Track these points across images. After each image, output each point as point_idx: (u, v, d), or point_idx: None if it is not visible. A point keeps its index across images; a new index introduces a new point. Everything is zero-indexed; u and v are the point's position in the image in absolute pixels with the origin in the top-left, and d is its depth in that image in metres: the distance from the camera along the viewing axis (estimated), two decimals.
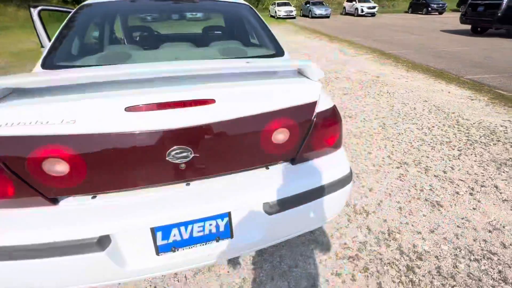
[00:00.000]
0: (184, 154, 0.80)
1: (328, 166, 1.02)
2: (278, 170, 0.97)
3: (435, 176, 1.98)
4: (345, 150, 1.51)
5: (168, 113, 0.75)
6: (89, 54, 1.22)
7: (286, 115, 0.88)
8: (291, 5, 18.44)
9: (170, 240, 0.84)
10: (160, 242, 0.82)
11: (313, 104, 0.92)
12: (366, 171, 2.05)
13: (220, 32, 2.08)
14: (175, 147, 0.78)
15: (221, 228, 0.89)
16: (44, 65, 1.05)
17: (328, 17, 18.33)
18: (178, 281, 1.21)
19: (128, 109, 0.71)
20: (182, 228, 0.84)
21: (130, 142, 0.74)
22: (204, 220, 0.85)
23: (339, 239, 1.45)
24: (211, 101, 0.78)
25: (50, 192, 0.76)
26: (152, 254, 0.83)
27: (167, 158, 0.79)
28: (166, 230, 0.82)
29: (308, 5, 18.82)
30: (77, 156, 0.72)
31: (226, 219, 0.88)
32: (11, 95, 0.75)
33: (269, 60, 1.17)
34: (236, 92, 0.83)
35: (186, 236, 0.85)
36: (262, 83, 0.88)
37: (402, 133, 2.65)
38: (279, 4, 18.45)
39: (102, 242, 0.75)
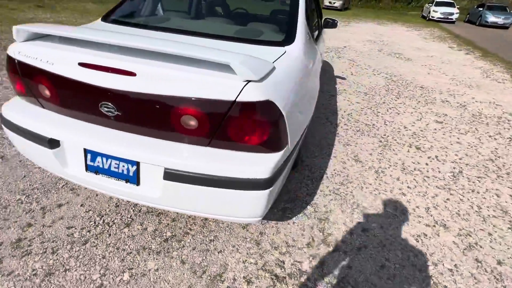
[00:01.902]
0: (111, 109, 1.05)
1: (241, 162, 1.03)
2: (191, 148, 1.08)
3: None
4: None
5: (101, 74, 1.01)
6: (141, 14, 1.64)
7: (196, 105, 0.97)
8: (454, 6, 14.83)
9: (95, 164, 1.15)
10: (88, 162, 1.15)
11: (228, 102, 0.95)
12: None
13: (268, 15, 2.15)
14: (104, 102, 1.05)
15: (131, 173, 1.12)
16: (103, 19, 1.52)
17: (507, 27, 13.88)
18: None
19: (80, 64, 1.02)
20: (104, 159, 1.13)
21: (79, 87, 1.05)
22: (119, 159, 1.11)
23: None
24: (133, 73, 0.98)
25: (38, 101, 1.21)
26: (82, 169, 1.17)
27: (99, 108, 1.07)
28: (93, 154, 1.14)
29: (481, 9, 14.69)
30: (52, 86, 1.11)
31: (135, 167, 1.11)
32: (45, 38, 1.19)
33: (251, 47, 1.28)
34: (156, 71, 0.98)
35: (106, 166, 1.14)
36: (185, 70, 0.98)
37: None
38: (437, 3, 15.05)
39: (52, 143, 1.14)
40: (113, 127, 1.13)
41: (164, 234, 1.50)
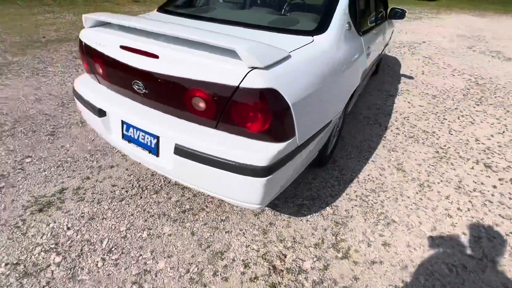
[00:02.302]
0: (140, 87, 1.20)
1: (242, 147, 1.06)
2: (200, 128, 1.16)
3: None
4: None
5: (135, 56, 1.16)
6: (192, 5, 1.79)
7: (203, 87, 1.03)
8: None
9: (129, 134, 1.34)
10: (124, 131, 1.35)
11: (232, 87, 0.98)
12: None
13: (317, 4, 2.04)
14: (135, 80, 1.20)
15: (152, 145, 1.28)
16: (158, 9, 1.72)
17: None
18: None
19: (121, 47, 1.19)
20: (135, 130, 1.31)
21: (119, 66, 1.23)
22: (145, 132, 1.27)
23: None
24: (156, 56, 1.10)
25: (96, 77, 1.45)
26: (120, 137, 1.38)
27: (132, 86, 1.23)
28: (127, 126, 1.33)
29: None
30: (102, 64, 1.32)
31: (155, 140, 1.25)
32: (107, 25, 1.42)
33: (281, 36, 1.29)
34: (174, 54, 1.07)
35: (135, 136, 1.32)
36: (197, 54, 1.05)
37: None
38: None
39: (101, 113, 1.38)
40: (142, 103, 1.30)
41: (184, 205, 1.66)
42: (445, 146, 2.39)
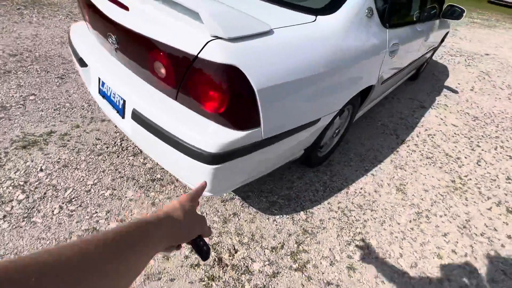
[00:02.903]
0: (114, 40, 1.11)
1: (196, 127, 0.95)
2: (161, 96, 1.06)
3: None
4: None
5: (110, 5, 1.06)
6: None
7: (164, 50, 0.91)
8: None
9: (103, 89, 1.29)
10: (100, 86, 1.30)
11: (191, 55, 0.85)
12: None
13: None
14: (109, 32, 1.11)
15: (120, 106, 1.21)
16: None
17: None
18: None
19: None
20: (108, 87, 1.25)
21: (99, 15, 1.14)
22: (115, 93, 1.21)
23: None
24: (126, 8, 0.99)
25: (86, 25, 1.38)
26: (97, 90, 1.34)
27: (107, 38, 1.15)
28: (102, 83, 1.27)
29: None
30: (88, 12, 1.24)
31: (122, 101, 1.18)
32: None
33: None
34: (142, 9, 0.96)
35: (108, 94, 1.26)
36: (168, 14, 0.92)
37: None
38: None
39: (82, 62, 1.33)
40: (117, 59, 1.22)
41: (155, 174, 1.62)
42: (466, 176, 2.06)
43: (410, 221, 1.62)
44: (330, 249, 1.40)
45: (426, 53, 2.68)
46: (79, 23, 1.58)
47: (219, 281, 1.19)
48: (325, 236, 1.45)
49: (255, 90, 0.87)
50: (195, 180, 1.02)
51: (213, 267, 1.24)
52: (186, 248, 1.29)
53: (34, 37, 2.85)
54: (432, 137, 2.45)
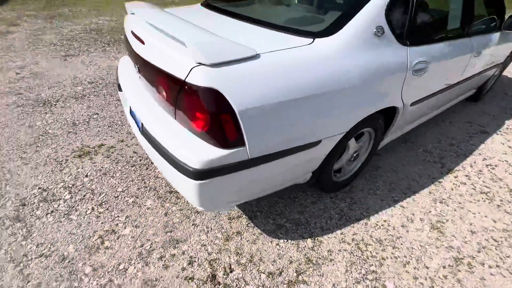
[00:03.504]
0: (138, 69, 1.31)
1: (187, 144, 1.03)
2: (165, 115, 1.18)
3: None
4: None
5: (135, 40, 1.27)
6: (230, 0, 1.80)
7: (164, 76, 1.04)
8: None
9: (133, 110, 1.50)
10: (130, 108, 1.52)
11: (180, 80, 0.95)
12: None
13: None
14: (135, 62, 1.31)
15: (139, 124, 1.39)
16: (201, 4, 1.82)
17: None
18: None
19: (131, 31, 1.32)
20: (134, 108, 1.46)
21: (130, 48, 1.37)
22: (137, 113, 1.40)
23: None
24: (143, 42, 1.17)
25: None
26: (129, 111, 1.56)
27: (135, 67, 1.36)
28: (131, 108, 1.49)
29: None
30: (127, 45, 1.49)
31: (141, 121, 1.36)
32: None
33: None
34: (153, 43, 1.11)
35: (135, 113, 1.47)
36: (167, 44, 1.05)
37: None
38: None
39: (119, 87, 1.59)
40: (140, 83, 1.43)
41: (173, 187, 1.75)
42: None
43: (444, 267, 1.35)
44: (333, 284, 1.26)
45: (485, 70, 2.31)
46: (126, 56, 1.92)
47: None
48: (330, 269, 1.32)
49: (236, 111, 0.92)
50: (187, 194, 1.09)
51: (206, 283, 1.25)
52: (186, 260, 1.34)
53: (109, 68, 3.52)
54: (492, 168, 2.03)
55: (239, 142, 0.98)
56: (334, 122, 1.18)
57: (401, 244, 1.45)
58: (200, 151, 0.99)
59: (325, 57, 1.09)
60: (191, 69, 0.91)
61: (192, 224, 1.52)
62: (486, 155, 2.18)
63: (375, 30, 1.19)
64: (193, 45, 0.88)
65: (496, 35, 2.14)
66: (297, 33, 1.17)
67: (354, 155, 1.60)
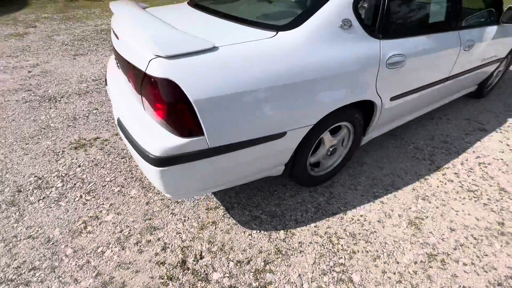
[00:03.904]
0: (116, 61, 1.39)
1: (151, 133, 1.08)
2: (135, 107, 1.24)
3: None
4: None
5: (113, 36, 1.34)
6: None
7: (132, 68, 1.10)
8: None
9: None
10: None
11: (142, 72, 1.01)
12: None
13: None
14: (115, 56, 1.39)
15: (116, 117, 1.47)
16: (187, 2, 1.88)
17: None
18: None
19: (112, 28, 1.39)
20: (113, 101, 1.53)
21: (112, 43, 1.44)
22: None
23: None
24: (117, 36, 1.24)
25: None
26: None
27: (116, 61, 1.43)
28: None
29: None
30: (112, 39, 1.58)
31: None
32: None
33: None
34: (124, 37, 1.18)
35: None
36: (135, 37, 1.11)
37: None
38: None
39: (106, 81, 1.66)
40: (120, 76, 1.50)
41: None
42: None
43: (416, 263, 1.33)
44: (300, 275, 1.28)
45: (482, 66, 2.22)
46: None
47: (176, 282, 1.25)
48: (299, 260, 1.34)
49: (191, 101, 0.96)
50: (152, 179, 1.15)
51: (175, 268, 1.30)
52: (160, 246, 1.40)
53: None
54: (485, 167, 1.96)
55: (197, 131, 1.03)
56: (298, 114, 1.20)
57: (375, 239, 1.44)
58: (161, 140, 1.04)
59: (287, 50, 1.11)
60: (149, 61, 0.97)
61: (171, 213, 1.59)
62: (480, 153, 2.10)
63: (341, 23, 1.19)
64: (150, 39, 0.94)
65: (492, 29, 2.06)
66: (261, 26, 1.20)
67: (331, 149, 1.60)
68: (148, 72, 0.98)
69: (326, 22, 1.16)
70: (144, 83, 1.03)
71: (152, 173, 1.09)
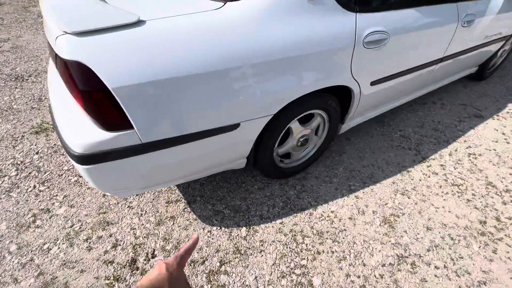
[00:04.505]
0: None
1: (76, 125, 0.93)
2: (65, 94, 1.06)
3: None
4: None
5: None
6: None
7: (52, 51, 0.92)
8: None
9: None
10: None
11: (53, 51, 0.84)
12: None
13: None
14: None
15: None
16: None
17: None
18: None
19: None
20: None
21: None
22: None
23: None
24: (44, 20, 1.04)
25: None
26: None
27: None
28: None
29: None
30: None
31: None
32: None
33: None
34: (44, 16, 0.99)
35: None
36: (49, 13, 0.91)
37: None
38: None
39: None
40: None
41: None
42: (509, 219, 1.43)
43: (384, 265, 1.23)
44: (256, 277, 1.19)
45: (485, 45, 1.98)
46: None
47: (122, 283, 1.17)
48: (257, 261, 1.24)
49: (110, 88, 0.80)
50: (85, 178, 1.02)
51: (124, 267, 1.22)
52: (110, 243, 1.31)
53: None
54: (475, 158, 1.81)
55: (124, 124, 0.87)
56: (251, 103, 1.03)
57: (343, 238, 1.34)
58: (84, 134, 0.89)
59: (236, 25, 0.92)
60: (56, 38, 0.79)
61: (128, 207, 1.48)
62: (472, 143, 1.94)
63: None
64: (53, 10, 0.76)
65: (499, 1, 1.80)
66: None
67: (301, 140, 1.45)
68: (57, 52, 0.80)
69: None
70: (59, 66, 0.86)
71: (79, 170, 0.96)
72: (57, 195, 1.53)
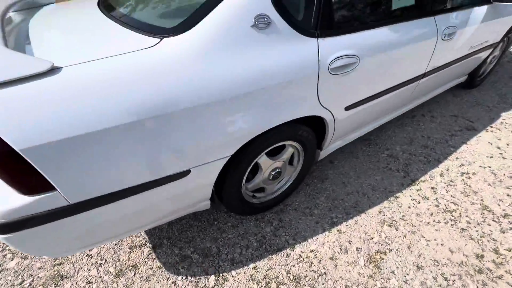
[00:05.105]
0: None
1: None
2: None
3: None
4: None
5: None
6: None
7: None
8: None
9: None
10: None
11: None
12: None
13: None
14: None
15: None
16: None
17: None
18: None
19: None
20: None
21: None
22: None
23: None
24: None
25: None
26: None
27: None
28: None
29: None
30: None
31: None
32: None
33: None
34: None
35: None
36: None
37: None
38: None
39: None
40: None
41: None
42: (509, 251, 1.29)
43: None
44: None
45: (472, 54, 1.87)
46: None
47: None
48: None
49: (18, 150, 0.68)
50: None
51: None
52: (44, 270, 1.17)
53: None
54: (468, 178, 1.67)
55: (44, 186, 0.75)
56: (202, 147, 0.91)
57: (323, 284, 1.19)
58: (0, 200, 0.77)
59: (177, 63, 0.80)
60: None
61: (86, 255, 1.34)
62: (465, 160, 1.80)
63: (254, 21, 0.87)
64: None
65: (482, 9, 1.69)
66: (145, 30, 0.88)
67: (273, 173, 1.32)
68: None
69: (229, 21, 0.84)
70: None
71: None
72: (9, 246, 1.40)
